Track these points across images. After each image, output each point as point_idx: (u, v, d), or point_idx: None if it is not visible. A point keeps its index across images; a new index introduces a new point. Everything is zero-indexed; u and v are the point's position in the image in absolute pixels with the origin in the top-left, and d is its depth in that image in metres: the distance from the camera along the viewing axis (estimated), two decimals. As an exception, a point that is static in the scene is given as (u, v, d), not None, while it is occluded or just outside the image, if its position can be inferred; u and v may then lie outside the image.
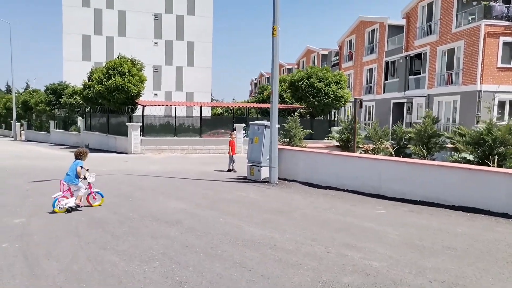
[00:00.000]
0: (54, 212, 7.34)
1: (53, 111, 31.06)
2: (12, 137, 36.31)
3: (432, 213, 7.25)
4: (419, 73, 28.54)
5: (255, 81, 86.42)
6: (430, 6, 27.13)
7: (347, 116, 38.38)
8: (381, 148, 10.31)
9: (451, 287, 4.03)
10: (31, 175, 12.13)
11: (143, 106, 20.88)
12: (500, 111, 22.64)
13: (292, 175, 11.11)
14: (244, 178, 12.06)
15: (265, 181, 10.96)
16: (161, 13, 49.13)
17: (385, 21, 32.53)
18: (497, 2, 23.28)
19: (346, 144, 11.97)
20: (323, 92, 20.59)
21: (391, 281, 4.15)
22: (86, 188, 7.74)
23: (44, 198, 8.65)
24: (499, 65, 22.47)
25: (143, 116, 20.80)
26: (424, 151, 8.85)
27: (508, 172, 6.87)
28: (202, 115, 23.35)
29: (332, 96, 20.71)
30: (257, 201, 8.49)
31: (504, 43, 22.50)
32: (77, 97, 27.66)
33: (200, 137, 21.16)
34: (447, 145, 9.39)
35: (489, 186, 7.10)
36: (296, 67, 57.05)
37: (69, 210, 7.40)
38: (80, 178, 7.61)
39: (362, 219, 6.81)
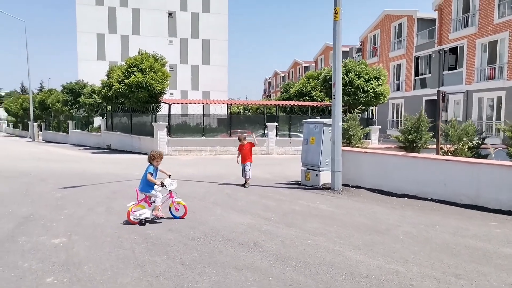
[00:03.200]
0: (127, 222, 6.38)
1: (71, 111, 30.00)
2: (30, 137, 35.44)
3: None
4: (455, 68, 26.84)
5: (269, 80, 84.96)
6: (467, -4, 25.43)
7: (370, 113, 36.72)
8: (465, 149, 8.84)
9: None
10: (59, 180, 10.90)
11: (169, 105, 19.62)
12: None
13: (355, 181, 9.71)
14: (296, 183, 10.69)
15: (326, 188, 9.56)
16: (175, 10, 47.97)
17: (414, 14, 30.85)
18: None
19: (411, 145, 10.50)
20: (362, 90, 19.06)
21: None
22: (164, 197, 6.63)
23: (81, 210, 7.40)
24: (551, 57, 20.74)
25: (169, 115, 19.53)
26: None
27: None
28: (217, 114, 21.96)
29: (371, 93, 19.16)
30: (334, 214, 7.10)
31: (556, 34, 20.76)
32: (96, 96, 26.55)
33: (229, 137, 19.81)
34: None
35: None
36: (314, 65, 55.48)
37: (143, 222, 6.34)
38: (156, 185, 6.47)
39: (492, 243, 5.37)
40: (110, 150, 22.66)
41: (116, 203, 7.97)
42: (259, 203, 8.02)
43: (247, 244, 5.36)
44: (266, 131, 19.91)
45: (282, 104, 22.68)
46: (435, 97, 28.99)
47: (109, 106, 24.43)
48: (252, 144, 10.16)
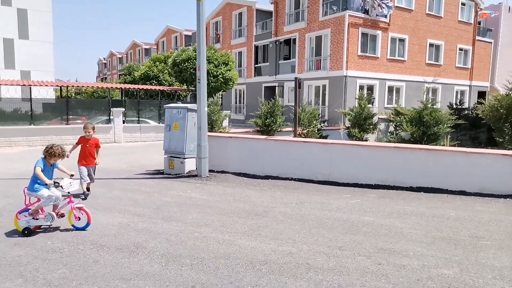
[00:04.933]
0: (16, 230, 5.19)
1: None
2: None
3: (403, 198, 7.10)
4: (289, 58, 29.85)
5: (104, 61, 77.86)
6: (298, -6, 28.39)
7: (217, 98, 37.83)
8: (315, 131, 9.87)
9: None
10: None
11: (-19, 86, 15.73)
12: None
13: (220, 166, 9.72)
14: (158, 172, 10.06)
15: (192, 175, 9.28)
16: (-27, -34, 38.50)
17: (253, 5, 32.76)
18: (355, -5, 25.84)
19: (268, 129, 11.18)
20: (212, 75, 19.22)
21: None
22: (53, 201, 5.24)
23: None
24: (359, 53, 25.14)
25: (-19, 99, 15.67)
26: (370, 133, 8.72)
27: (466, 151, 7.20)
28: (41, 97, 18.76)
29: (221, 78, 19.54)
30: (209, 201, 6.91)
31: (362, 34, 25.23)
32: None
33: (67, 124, 17.25)
34: (380, 125, 9.52)
35: (447, 165, 7.34)
36: (155, 47, 53.36)
37: (25, 232, 5.10)
38: (48, 184, 5.07)
39: (353, 213, 6.11)
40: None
41: None
42: (125, 198, 7.19)
43: (127, 248, 4.68)
44: (111, 117, 18.13)
45: (128, 88, 21.00)
46: (273, 84, 31.58)
47: None
48: (98, 143, 7.48)
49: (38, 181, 5.12)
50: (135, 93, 21.54)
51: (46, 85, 18.22)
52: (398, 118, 8.92)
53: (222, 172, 9.64)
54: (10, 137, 15.88)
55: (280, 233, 5.15)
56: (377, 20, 25.54)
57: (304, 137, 9.93)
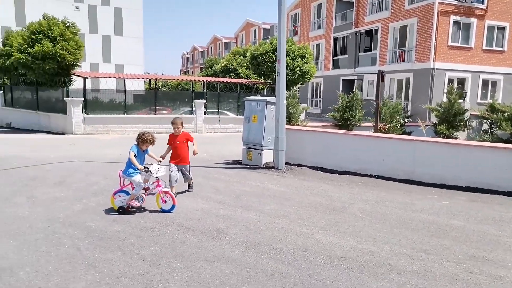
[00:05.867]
0: (112, 208, 5.79)
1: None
2: None
3: (500, 203, 6.48)
4: (369, 50, 28.59)
5: (187, 55, 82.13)
6: (382, -18, 26.98)
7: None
8: (397, 127, 9.39)
9: None
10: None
11: (85, 78, 17.64)
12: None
13: (297, 159, 9.74)
14: (236, 162, 10.41)
15: (269, 167, 9.44)
16: (82, -27, 43.00)
17: (334, -5, 31.93)
18: (447, -19, 23.77)
19: (346, 123, 10.89)
20: (288, 68, 19.21)
21: None
22: (144, 185, 5.76)
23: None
24: (449, 43, 23.17)
25: (84, 89, 17.57)
26: (458, 131, 8.06)
27: None
28: (133, 89, 20.42)
29: (298, 71, 19.44)
30: (286, 194, 7.00)
31: (454, 22, 23.18)
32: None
33: (155, 114, 18.63)
34: (472, 122, 8.74)
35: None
36: (234, 41, 54.85)
37: (120, 210, 5.68)
38: (139, 169, 5.62)
39: (440, 216, 5.73)
40: (11, 129, 19.80)
41: (39, 192, 6.88)
42: (207, 185, 7.59)
43: (210, 232, 4.95)
44: (194, 108, 19.15)
45: (209, 81, 21.93)
46: (352, 77, 30.60)
47: (7, 78, 21.21)
48: (189, 137, 6.72)
49: (133, 166, 5.63)
50: (215, 85, 22.40)
51: (138, 78, 19.82)
52: (495, 115, 8.09)
53: (299, 165, 9.65)
54: (107, 125, 17.62)
55: (359, 231, 5.03)
56: (471, 7, 23.26)
57: (385, 133, 9.49)
